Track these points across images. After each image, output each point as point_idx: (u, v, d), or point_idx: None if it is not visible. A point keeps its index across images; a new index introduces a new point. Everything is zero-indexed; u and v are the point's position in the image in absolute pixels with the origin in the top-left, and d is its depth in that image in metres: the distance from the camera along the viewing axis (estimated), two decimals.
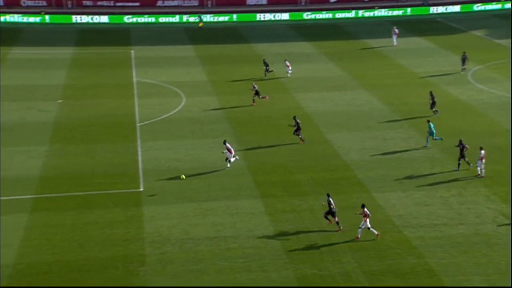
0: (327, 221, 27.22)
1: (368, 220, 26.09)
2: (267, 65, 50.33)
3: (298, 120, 36.69)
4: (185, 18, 72.96)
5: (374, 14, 76.08)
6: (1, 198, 29.01)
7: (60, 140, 36.52)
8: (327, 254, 25.33)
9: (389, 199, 30.00)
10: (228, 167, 32.60)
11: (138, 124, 39.69)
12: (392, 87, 47.89)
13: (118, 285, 23.06)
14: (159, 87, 47.85)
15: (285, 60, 51.44)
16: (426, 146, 35.77)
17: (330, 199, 27.09)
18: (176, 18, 73.05)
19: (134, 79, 49.88)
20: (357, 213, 26.75)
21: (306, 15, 75.25)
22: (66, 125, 39.02)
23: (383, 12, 76.35)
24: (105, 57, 56.84)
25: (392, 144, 36.35)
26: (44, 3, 73.51)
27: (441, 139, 35.72)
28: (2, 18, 68.82)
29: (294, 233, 26.95)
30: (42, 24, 69.64)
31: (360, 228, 26.25)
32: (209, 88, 48.15)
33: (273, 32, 68.87)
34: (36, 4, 73.34)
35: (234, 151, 33.32)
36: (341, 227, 26.96)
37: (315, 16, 75.26)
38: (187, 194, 30.24)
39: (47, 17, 70.26)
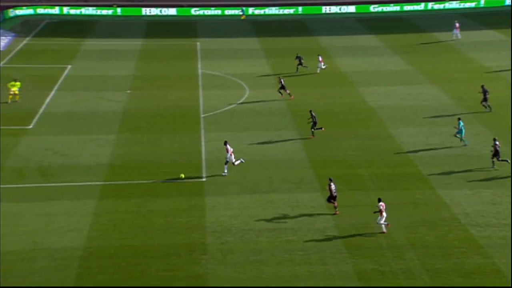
0: (332, 204, 27.54)
1: (384, 214, 25.54)
2: (300, 60, 49.23)
3: (314, 114, 36.09)
4: (250, 10, 73.15)
5: (444, 6, 73.59)
6: (73, 184, 30.18)
7: (128, 129, 37.55)
8: (388, 250, 24.83)
9: (455, 196, 29.02)
10: (225, 173, 30.75)
11: (202, 115, 40.21)
12: (461, 82, 46.22)
13: (180, 272, 23.50)
14: (223, 79, 48.27)
15: (318, 55, 50.02)
16: (466, 145, 34.34)
17: (332, 184, 27.32)
18: (241, 11, 73.40)
19: (199, 71, 50.55)
20: (376, 212, 26.06)
21: (373, 8, 73.74)
22: (133, 115, 40.07)
23: (454, 4, 73.72)
24: (172, 49, 57.90)
25: (459, 140, 35.08)
26: None
27: (465, 144, 34.17)
28: (78, 11, 71.46)
29: (355, 227, 26.56)
30: (114, 16, 71.77)
31: (382, 224, 25.71)
32: (272, 80, 48.11)
33: (338, 25, 67.97)
34: None
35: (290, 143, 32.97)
36: (337, 212, 27.27)
37: (382, 9, 73.64)
38: (249, 185, 30.40)
39: (118, 9, 72.35)
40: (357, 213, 27.70)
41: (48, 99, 42.52)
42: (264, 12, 73.47)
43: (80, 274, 23.15)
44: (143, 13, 72.26)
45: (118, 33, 64.07)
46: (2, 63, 51.14)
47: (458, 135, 34.43)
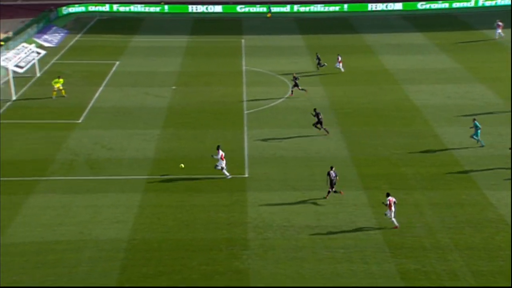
0: (338, 193, 28.23)
1: (392, 209, 25.49)
2: (319, 59, 48.49)
3: (318, 112, 35.70)
4: (296, 7, 72.84)
5: (496, 3, 71.35)
6: (119, 177, 30.82)
7: (173, 124, 38.05)
8: (431, 251, 24.34)
9: (502, 197, 28.18)
10: (228, 176, 30.45)
11: (246, 112, 40.35)
12: (510, 81, 44.77)
13: (221, 266, 23.68)
14: (267, 76, 48.27)
15: (338, 55, 49.05)
16: (483, 145, 33.42)
17: (332, 171, 28.03)
18: (287, 8, 73.20)
19: (243, 68, 50.72)
20: (383, 202, 26.15)
21: (421, 5, 72.27)
22: (178, 111, 40.57)
23: (506, 1, 71.35)
24: (217, 46, 58.29)
25: (508, 141, 34.02)
26: None
27: (482, 145, 33.21)
28: (127, 8, 72.83)
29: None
30: (161, 13, 72.80)
31: (392, 219, 25.70)
32: (315, 78, 47.81)
33: (384, 22, 66.93)
34: None
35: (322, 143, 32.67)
36: (327, 197, 27.99)
37: (430, 6, 72.06)
38: (291, 182, 30.34)
39: (166, 7, 73.34)
40: (400, 212, 27.23)
41: (96, 94, 43.53)
42: (309, 9, 73.04)
43: (124, 266, 23.63)
44: (190, 10, 73.02)
45: (165, 30, 64.95)
46: (55, 59, 52.63)
47: (475, 137, 33.56)
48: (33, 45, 50.35)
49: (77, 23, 66.95)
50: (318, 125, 35.87)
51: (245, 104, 41.88)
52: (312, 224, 26.54)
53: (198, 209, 27.81)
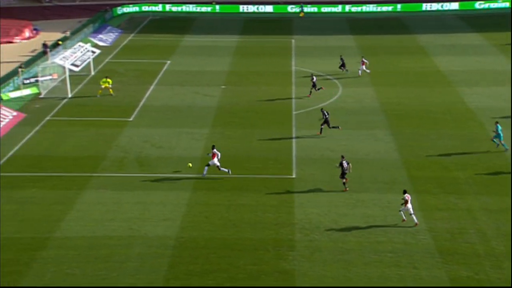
0: (343, 181, 28.91)
1: (408, 205, 25.77)
2: (343, 62, 47.18)
3: (325, 112, 35.71)
4: (347, 7, 72.13)
5: None
6: (168, 175, 31.30)
7: (221, 124, 38.34)
8: (485, 258, 23.59)
9: None
10: (228, 172, 30.52)
11: (294, 112, 40.23)
12: None
13: (268, 266, 23.68)
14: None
15: (362, 57, 47.47)
16: (507, 149, 32.63)
17: (344, 161, 28.74)
18: (338, 8, 72.56)
19: (293, 68, 50.59)
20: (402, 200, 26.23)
21: (479, 4, 70.14)
22: (227, 110, 40.85)
23: None
24: (267, 46, 58.39)
25: (496, 146, 32.63)
26: None
27: (506, 148, 32.09)
28: (179, 8, 73.96)
29: (449, 232, 25.49)
30: (212, 13, 73.53)
31: (411, 214, 25.95)
32: (366, 79, 47.19)
33: (439, 22, 65.38)
34: None
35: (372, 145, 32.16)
36: (347, 189, 28.60)
37: (489, 5, 69.83)
38: (338, 183, 30.04)
39: (217, 7, 74.02)
40: (452, 217, 26.54)
41: (147, 93, 44.36)
42: (361, 9, 72.14)
43: (172, 263, 23.97)
44: (241, 10, 73.41)
45: (215, 29, 65.55)
46: (108, 57, 53.99)
47: (495, 140, 32.44)
48: (89, 44, 51.85)
49: (130, 23, 68.44)
50: (325, 125, 35.66)
51: (293, 104, 41.77)
52: (359, 226, 26.20)
53: (245, 209, 27.91)
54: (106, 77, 43.53)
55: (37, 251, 24.57)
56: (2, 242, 25.15)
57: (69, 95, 43.35)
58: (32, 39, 60.42)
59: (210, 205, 28.31)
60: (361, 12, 71.99)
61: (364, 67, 46.82)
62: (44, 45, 52.51)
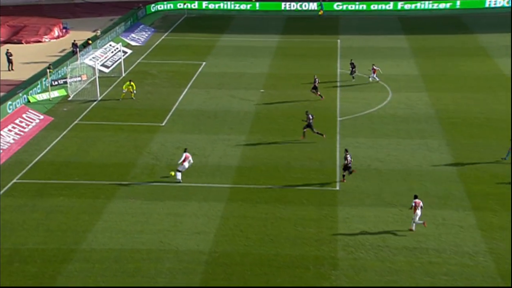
0: (344, 173, 30.68)
1: (418, 212, 26.36)
2: (353, 67, 46.11)
3: (310, 115, 35.92)
4: (400, 5, 71.50)
5: None
6: (202, 184, 31.58)
7: (259, 130, 38.48)
8: None
9: None
10: (179, 180, 31.33)
11: (339, 119, 40.04)
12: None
13: (308, 286, 23.56)
14: (364, 80, 47.65)
15: (372, 64, 46.06)
16: (505, 159, 32.81)
17: (348, 155, 30.68)
18: (389, 5, 72.01)
19: (338, 71, 50.39)
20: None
21: None
22: (266, 115, 40.98)
23: None
24: (310, 46, 58.39)
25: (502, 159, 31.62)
26: None
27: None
28: (217, 5, 74.72)
29: None
30: (252, 11, 74.04)
31: (414, 222, 26.55)
32: (419, 83, 46.62)
33: (503, 20, 64.02)
34: None
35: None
36: (344, 180, 30.70)
37: None
38: (387, 197, 29.72)
39: (257, 4, 74.44)
40: None
41: (181, 96, 44.94)
42: (415, 6, 71.39)
43: (205, 280, 24.13)
44: (283, 7, 73.66)
45: (255, 28, 65.97)
46: (140, 58, 54.98)
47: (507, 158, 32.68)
48: (120, 44, 52.94)
49: (164, 21, 69.57)
50: (308, 129, 35.91)
51: (338, 110, 41.58)
52: (410, 245, 25.83)
53: (284, 223, 27.90)
54: (130, 81, 44.27)
55: (63, 263, 25.13)
56: (27, 253, 25.83)
57: (98, 98, 44.32)
58: (61, 38, 62.11)
59: (246, 217, 28.41)
60: (415, 10, 71.24)
61: (375, 75, 45.48)
62: (74, 45, 53.88)
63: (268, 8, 73.83)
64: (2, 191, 30.92)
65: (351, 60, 47.76)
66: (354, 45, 57.89)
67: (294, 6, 73.69)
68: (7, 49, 51.87)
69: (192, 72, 50.62)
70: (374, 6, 72.10)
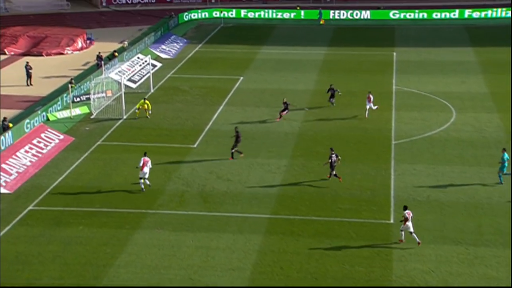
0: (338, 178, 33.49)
1: (408, 223, 28.08)
2: (333, 93, 45.07)
3: (239, 131, 37.66)
4: (467, 13, 70.95)
5: None
6: (237, 214, 31.64)
7: (303, 154, 38.45)
8: None
9: None
10: (142, 189, 33.82)
11: (394, 142, 39.72)
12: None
13: None
14: (423, 98, 47.28)
15: (368, 92, 44.53)
16: (501, 183, 33.52)
17: (333, 155, 33.80)
18: (455, 14, 71.54)
19: (394, 87, 50.12)
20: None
21: None
22: (310, 137, 40.95)
23: None
24: (361, 60, 58.31)
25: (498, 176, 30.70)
26: None
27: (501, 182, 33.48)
28: (257, 14, 75.34)
29: None
30: (296, 20, 74.52)
31: (412, 233, 28.18)
32: (489, 102, 45.99)
33: None
34: None
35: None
36: (329, 177, 33.98)
37: None
38: (450, 233, 29.23)
39: (302, 12, 74.91)
40: None
41: (215, 115, 45.34)
42: (485, 15, 70.74)
43: None
44: (330, 16, 73.94)
45: (299, 39, 66.31)
46: (171, 72, 55.83)
47: (501, 173, 33.57)
48: (149, 56, 53.93)
49: (198, 31, 70.63)
50: (235, 149, 37.50)
51: (393, 132, 41.27)
52: None
53: (330, 260, 27.70)
54: (144, 99, 44.85)
55: None
56: None
57: (124, 116, 45.09)
58: (85, 50, 63.66)
59: (287, 253, 28.30)
60: (485, 19, 70.60)
61: (371, 104, 43.91)
62: (99, 57, 55.12)
63: (314, 17, 74.15)
64: (16, 219, 31.60)
65: (331, 85, 46.10)
66: (412, 59, 57.60)
67: (343, 14, 73.84)
68: (27, 62, 53.31)
69: (228, 88, 51.09)
70: (436, 15, 71.71)
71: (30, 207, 32.79)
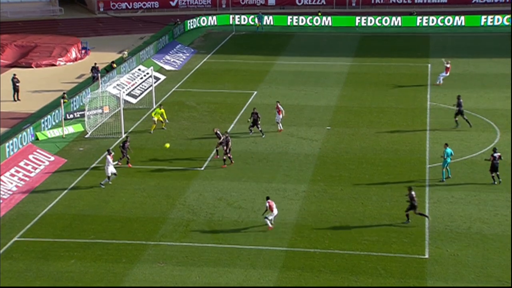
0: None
1: (274, 211, 31.66)
2: (256, 118, 43.96)
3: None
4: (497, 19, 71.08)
5: None
6: (249, 247, 31.56)
7: (324, 178, 38.41)
8: None
9: None
10: (105, 183, 37.52)
11: (428, 166, 39.62)
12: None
13: None
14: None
15: (277, 102, 45.15)
16: (443, 180, 35.82)
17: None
18: (499, 19, 71.51)
19: (428, 104, 50.06)
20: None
21: None
22: (332, 159, 40.92)
23: None
24: (391, 72, 58.35)
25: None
26: (323, 1, 79.23)
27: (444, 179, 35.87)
28: (273, 20, 75.41)
29: None
30: (317, 27, 74.64)
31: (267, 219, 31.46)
32: None
33: None
34: (313, 3, 79.43)
35: None
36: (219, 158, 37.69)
37: None
38: (494, 271, 29.02)
39: (324, 18, 75.04)
40: None
41: None
42: None
43: None
44: (357, 23, 74.11)
45: (320, 49, 66.53)
46: (176, 86, 56.10)
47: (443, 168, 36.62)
48: (151, 68, 54.23)
49: (206, 40, 71.04)
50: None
51: (428, 155, 41.19)
52: None
53: None
54: (160, 106, 45.19)
55: None
56: None
57: (123, 135, 45.28)
58: (79, 61, 64.11)
59: None
60: None
61: (279, 116, 44.82)
62: (94, 69, 55.46)
63: (338, 24, 74.40)
64: (0, 252, 31.70)
65: (254, 108, 45.03)
66: (453, 71, 57.41)
67: (371, 21, 74.01)
68: (14, 74, 53.59)
69: (240, 104, 51.25)
70: (477, 21, 71.67)
71: (15, 238, 32.89)
